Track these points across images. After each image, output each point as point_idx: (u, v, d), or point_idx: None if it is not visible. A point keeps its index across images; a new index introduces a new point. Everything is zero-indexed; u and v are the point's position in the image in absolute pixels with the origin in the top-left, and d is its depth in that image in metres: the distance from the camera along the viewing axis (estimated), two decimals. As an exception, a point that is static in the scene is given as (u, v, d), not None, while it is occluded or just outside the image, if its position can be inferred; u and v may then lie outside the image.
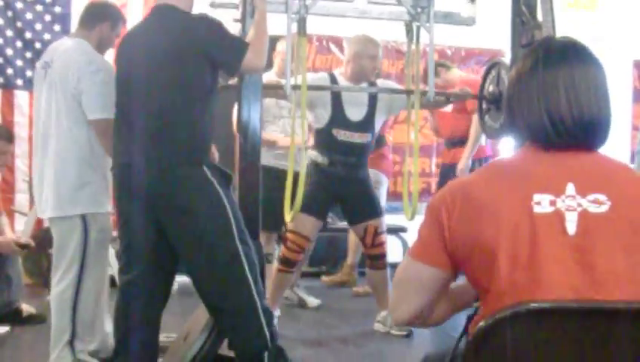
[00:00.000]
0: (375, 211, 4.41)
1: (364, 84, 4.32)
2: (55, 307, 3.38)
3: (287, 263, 4.32)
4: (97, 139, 3.31)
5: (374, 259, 4.43)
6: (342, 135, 4.26)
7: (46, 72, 3.42)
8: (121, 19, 3.60)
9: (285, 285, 4.50)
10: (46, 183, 3.37)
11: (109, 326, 3.47)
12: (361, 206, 4.39)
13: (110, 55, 3.61)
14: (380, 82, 4.53)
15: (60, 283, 3.36)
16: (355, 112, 4.27)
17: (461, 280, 1.66)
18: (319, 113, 4.26)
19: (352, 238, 5.74)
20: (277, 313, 4.72)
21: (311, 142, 4.49)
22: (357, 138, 4.28)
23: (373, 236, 4.35)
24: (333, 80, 4.29)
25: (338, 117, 4.25)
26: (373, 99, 4.30)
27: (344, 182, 4.31)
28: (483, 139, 5.54)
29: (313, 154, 4.28)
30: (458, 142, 5.38)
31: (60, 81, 3.32)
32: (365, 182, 4.42)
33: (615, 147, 5.06)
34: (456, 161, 5.35)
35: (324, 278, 6.22)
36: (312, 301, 5.17)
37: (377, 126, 4.41)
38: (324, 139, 4.27)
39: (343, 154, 4.29)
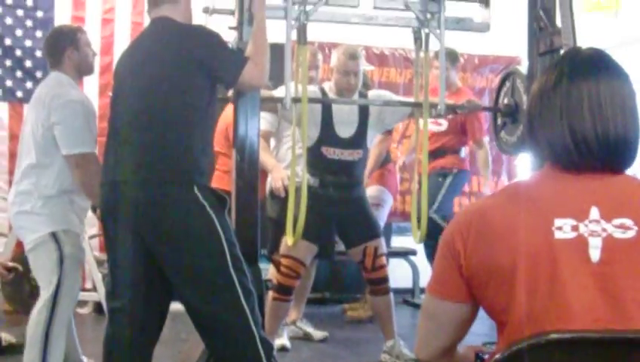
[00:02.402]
0: (373, 232, 4.38)
1: (356, 97, 4.31)
2: (30, 330, 3.45)
3: (282, 290, 4.29)
4: (73, 174, 3.47)
5: (376, 283, 4.38)
6: (331, 153, 4.25)
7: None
8: (78, 33, 3.71)
9: (282, 314, 4.46)
10: (16, 209, 3.57)
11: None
12: (358, 227, 4.37)
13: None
14: (373, 93, 4.51)
15: (38, 303, 3.47)
16: (345, 129, 4.25)
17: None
18: (308, 130, 4.20)
19: None
20: (285, 342, 4.71)
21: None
22: (347, 156, 4.26)
23: (373, 258, 4.30)
24: (324, 95, 4.30)
25: (327, 134, 4.23)
26: (363, 114, 4.27)
27: (337, 204, 4.29)
28: (462, 151, 5.61)
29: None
30: (439, 153, 5.43)
31: (32, 114, 3.56)
32: (360, 202, 4.40)
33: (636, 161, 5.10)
34: (434, 170, 5.39)
35: (350, 314, 6.00)
36: (318, 334, 5.12)
37: (370, 142, 4.40)
38: (313, 158, 4.19)
39: (334, 174, 4.27)
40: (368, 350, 4.78)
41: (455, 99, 4.95)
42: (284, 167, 4.69)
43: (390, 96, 4.48)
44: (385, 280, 4.38)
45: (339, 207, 4.31)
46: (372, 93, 4.50)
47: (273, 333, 4.28)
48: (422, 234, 3.96)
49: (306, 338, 5.07)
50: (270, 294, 4.24)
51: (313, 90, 4.24)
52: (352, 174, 4.33)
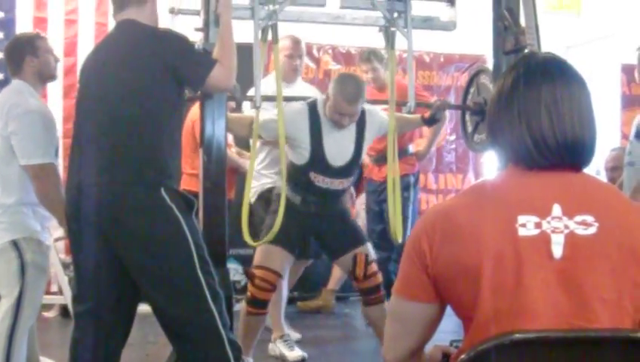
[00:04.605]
0: (359, 238, 4.10)
1: (353, 127, 3.98)
2: None
3: (256, 304, 3.92)
4: (32, 184, 3.40)
5: (369, 293, 4.03)
6: (320, 180, 3.97)
7: None
8: (37, 40, 3.63)
9: (257, 329, 4.05)
10: None
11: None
12: (342, 236, 4.09)
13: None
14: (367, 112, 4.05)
15: None
16: (338, 156, 3.97)
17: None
18: (297, 151, 3.96)
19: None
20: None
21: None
22: (337, 185, 4.02)
23: (364, 265, 3.96)
24: (313, 114, 3.93)
25: (317, 161, 3.94)
26: (360, 136, 4.01)
27: (318, 217, 4.07)
28: (410, 148, 5.48)
29: (284, 188, 3.84)
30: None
31: None
32: (342, 214, 4.20)
33: (604, 156, 5.16)
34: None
35: (300, 304, 6.18)
36: (294, 334, 4.92)
37: (362, 159, 4.23)
38: (299, 178, 3.97)
39: (319, 197, 4.03)
40: (337, 349, 4.79)
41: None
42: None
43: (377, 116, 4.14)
44: (378, 288, 4.04)
45: (319, 220, 4.08)
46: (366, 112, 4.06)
47: (249, 350, 3.97)
48: (399, 232, 3.89)
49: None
50: (244, 308, 3.98)
51: (303, 110, 3.94)
52: (338, 197, 4.15)
